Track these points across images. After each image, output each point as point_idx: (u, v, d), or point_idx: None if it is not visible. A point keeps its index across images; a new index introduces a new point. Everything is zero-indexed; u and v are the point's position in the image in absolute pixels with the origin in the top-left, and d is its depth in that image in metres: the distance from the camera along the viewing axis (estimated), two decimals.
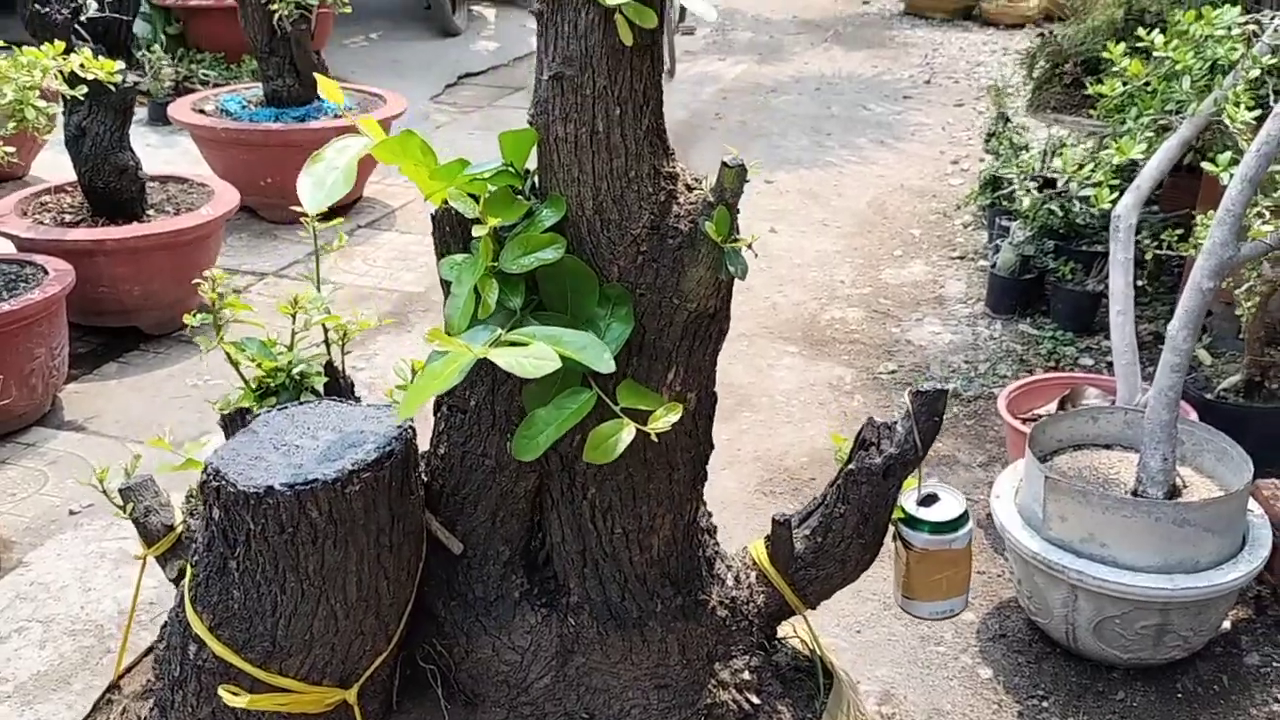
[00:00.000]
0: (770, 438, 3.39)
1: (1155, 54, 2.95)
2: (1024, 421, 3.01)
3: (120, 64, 3.43)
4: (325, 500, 1.32)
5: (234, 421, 1.89)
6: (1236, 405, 3.06)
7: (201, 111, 5.06)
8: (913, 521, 1.74)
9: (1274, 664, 2.45)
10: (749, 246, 1.24)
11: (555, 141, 1.23)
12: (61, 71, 3.23)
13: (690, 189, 1.29)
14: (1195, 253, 2.84)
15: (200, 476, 1.40)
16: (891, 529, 1.77)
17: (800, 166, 6.12)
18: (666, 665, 1.65)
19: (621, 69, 1.19)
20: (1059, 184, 3.13)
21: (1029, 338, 4.02)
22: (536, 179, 1.29)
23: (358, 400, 1.70)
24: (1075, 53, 3.71)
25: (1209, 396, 3.11)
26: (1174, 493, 2.40)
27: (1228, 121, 2.68)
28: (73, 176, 4.11)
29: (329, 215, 5.04)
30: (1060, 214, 4.18)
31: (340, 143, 1.25)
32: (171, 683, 1.56)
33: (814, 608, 1.82)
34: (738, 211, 1.23)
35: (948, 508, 1.75)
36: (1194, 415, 2.86)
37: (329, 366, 1.77)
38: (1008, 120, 4.86)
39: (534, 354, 1.10)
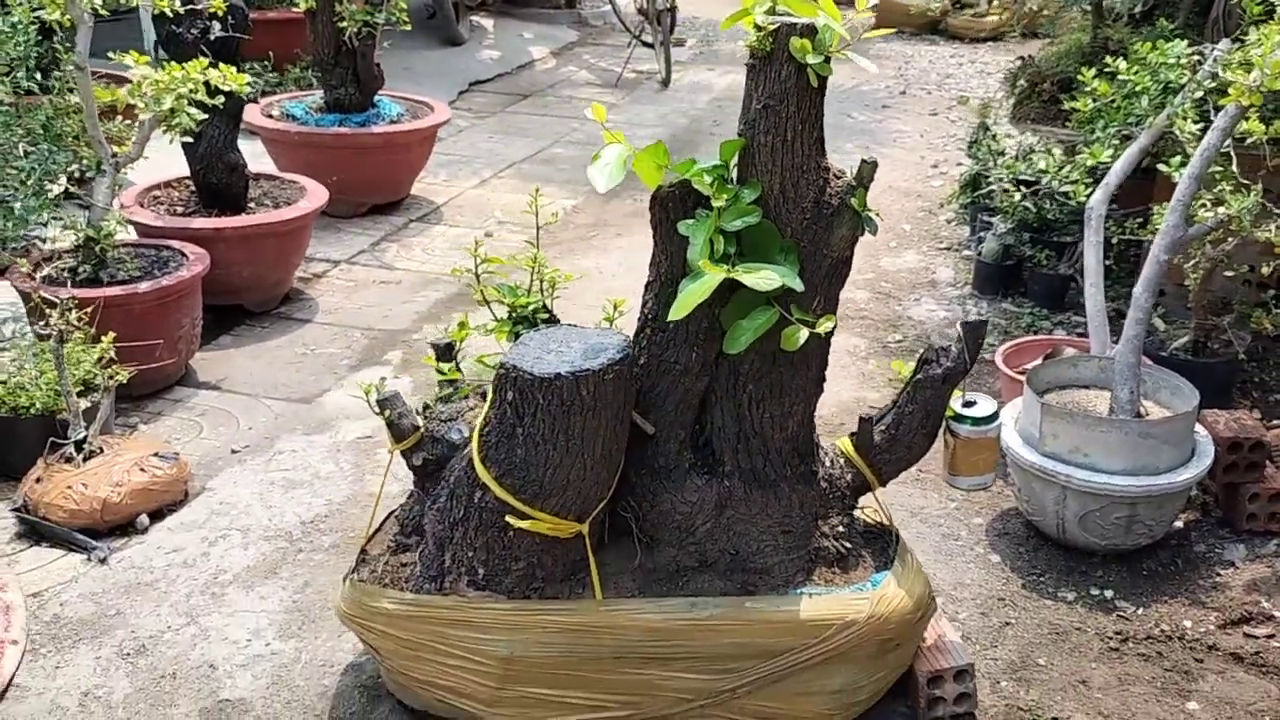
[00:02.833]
0: None
1: (1120, 77, 3.68)
2: (1017, 372, 3.72)
3: (248, 77, 4.05)
4: (592, 383, 1.97)
5: (444, 351, 2.54)
6: (1185, 361, 3.79)
7: (270, 116, 5.65)
8: (959, 418, 2.43)
9: (1215, 551, 3.17)
10: (877, 215, 1.91)
11: (758, 146, 1.90)
12: (208, 84, 3.85)
13: (837, 177, 1.96)
14: (1153, 237, 3.58)
15: (498, 372, 2.04)
16: (942, 425, 2.45)
17: None
18: (790, 516, 2.32)
19: (804, 101, 1.86)
20: (1043, 182, 3.84)
21: (1011, 314, 4.74)
22: (735, 171, 1.95)
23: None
24: (1052, 73, 4.43)
25: (1163, 354, 3.83)
26: (1139, 419, 3.11)
27: (1178, 132, 3.41)
28: (171, 175, 4.71)
29: (381, 210, 6.14)
30: (1034, 210, 4.91)
31: (609, 148, 1.90)
32: (452, 524, 2.20)
33: (884, 485, 2.50)
34: (865, 190, 1.91)
35: (984, 407, 2.44)
36: None
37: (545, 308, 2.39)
38: (988, 129, 5.60)
39: (764, 276, 1.76)
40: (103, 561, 3.03)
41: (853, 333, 4.56)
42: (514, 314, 2.35)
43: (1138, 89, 3.67)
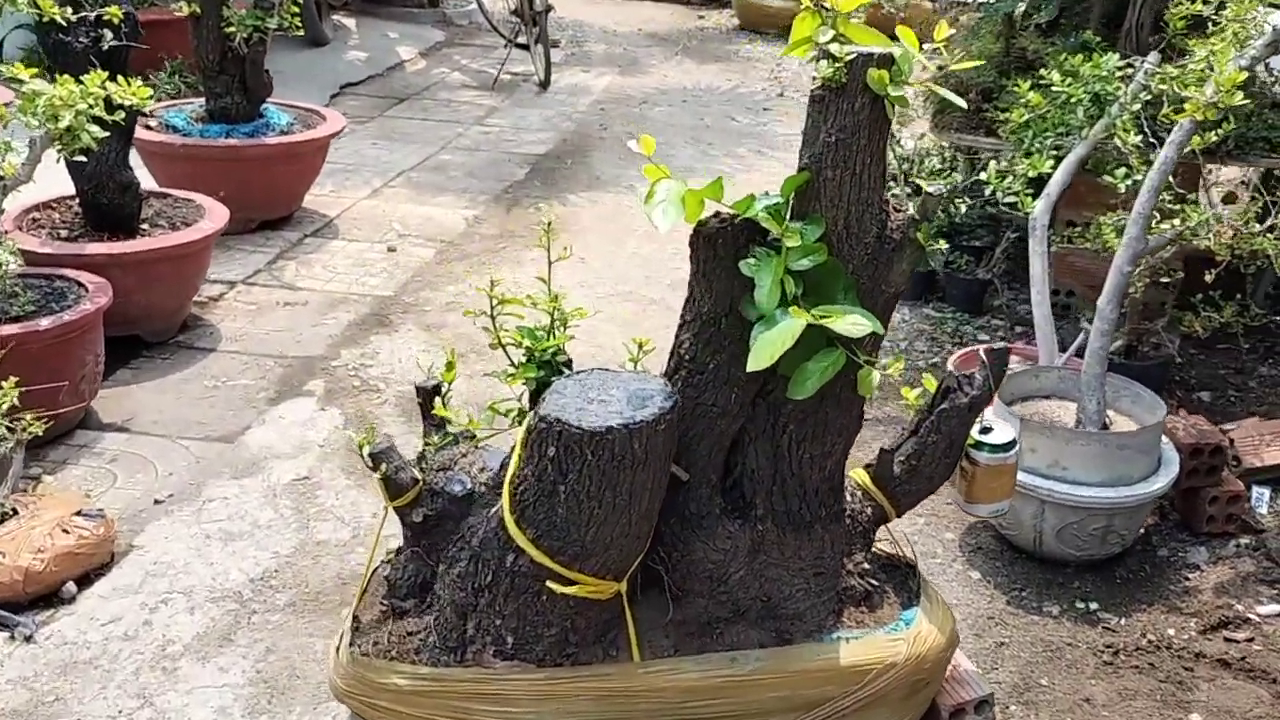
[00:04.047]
0: None
1: (1054, 88, 3.73)
2: None
3: (149, 91, 3.71)
4: (645, 435, 1.83)
5: (431, 394, 2.35)
6: (1120, 364, 3.88)
7: (148, 128, 5.24)
8: (979, 445, 2.38)
9: (1179, 554, 3.24)
10: (941, 246, 1.84)
11: (824, 181, 1.79)
12: (109, 99, 3.50)
13: (897, 210, 1.88)
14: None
15: (535, 425, 1.87)
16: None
17: (695, 174, 6.75)
18: (822, 557, 2.23)
19: (875, 134, 1.77)
20: (986, 193, 3.86)
21: (934, 319, 4.79)
22: (789, 206, 1.84)
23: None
24: (974, 83, 4.48)
25: None
26: (1105, 428, 3.15)
27: (1120, 144, 3.47)
28: (51, 195, 4.31)
29: (272, 225, 5.76)
30: (944, 215, 4.98)
31: (663, 185, 1.76)
32: (477, 590, 2.02)
33: (901, 516, 2.43)
34: (929, 224, 1.83)
35: (1003, 433, 2.39)
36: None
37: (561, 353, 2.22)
38: (893, 136, 5.64)
39: (852, 321, 1.66)
40: (29, 639, 2.71)
41: None
42: (534, 358, 2.18)
43: (1072, 100, 3.73)
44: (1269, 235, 3.30)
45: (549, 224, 2.17)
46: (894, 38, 1.83)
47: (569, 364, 2.22)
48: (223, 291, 4.82)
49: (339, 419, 3.82)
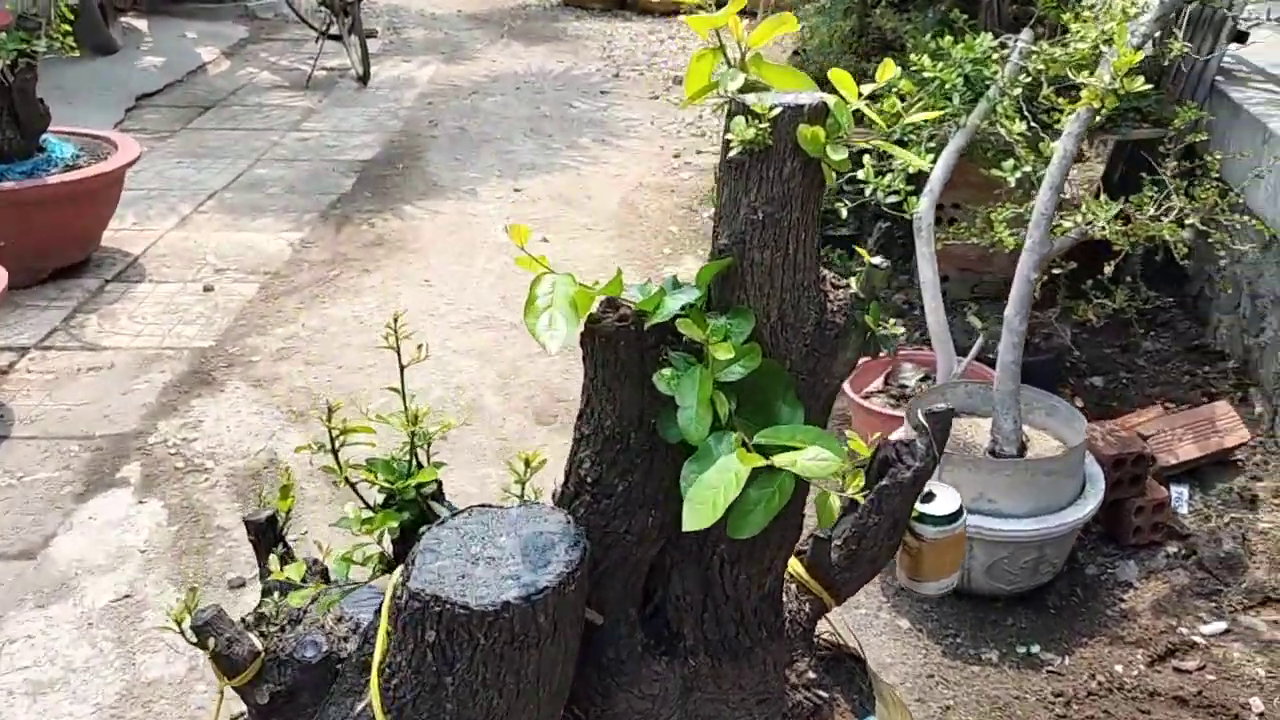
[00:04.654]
0: None
1: (926, 74, 3.45)
2: (865, 397, 3.46)
3: None
4: (552, 604, 1.43)
5: (263, 528, 1.91)
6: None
7: None
8: (923, 518, 2.06)
9: (1108, 571, 3.03)
10: (893, 327, 1.49)
11: (751, 265, 1.41)
12: None
13: (835, 287, 1.51)
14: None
15: (401, 604, 1.45)
16: None
17: (540, 171, 6.32)
18: (766, 682, 1.88)
19: (809, 203, 1.40)
20: (866, 193, 3.57)
21: None
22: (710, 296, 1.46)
23: (450, 505, 1.77)
24: (829, 66, 4.16)
25: (991, 356, 3.69)
26: (1023, 448, 2.91)
27: (1004, 133, 3.22)
28: None
29: (67, 273, 4.98)
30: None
31: (542, 284, 1.35)
32: None
33: (841, 604, 2.10)
34: (877, 301, 1.48)
35: (947, 501, 2.08)
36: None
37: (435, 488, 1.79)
38: None
39: (816, 456, 1.29)
40: None
41: None
42: (395, 498, 1.73)
43: (947, 87, 3.47)
44: (1163, 221, 3.10)
45: (396, 318, 1.73)
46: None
47: (439, 494, 1.79)
48: (12, 361, 4.16)
49: (161, 514, 3.27)
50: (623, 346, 1.47)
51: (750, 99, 1.35)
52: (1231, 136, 3.93)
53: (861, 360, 3.67)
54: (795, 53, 4.35)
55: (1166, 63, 3.73)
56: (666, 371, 1.39)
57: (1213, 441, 3.29)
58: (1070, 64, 2.94)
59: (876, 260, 1.47)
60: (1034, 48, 3.42)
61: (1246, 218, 3.17)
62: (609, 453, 1.59)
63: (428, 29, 10.17)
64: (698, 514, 1.31)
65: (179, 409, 3.86)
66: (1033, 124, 3.20)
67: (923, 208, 3.36)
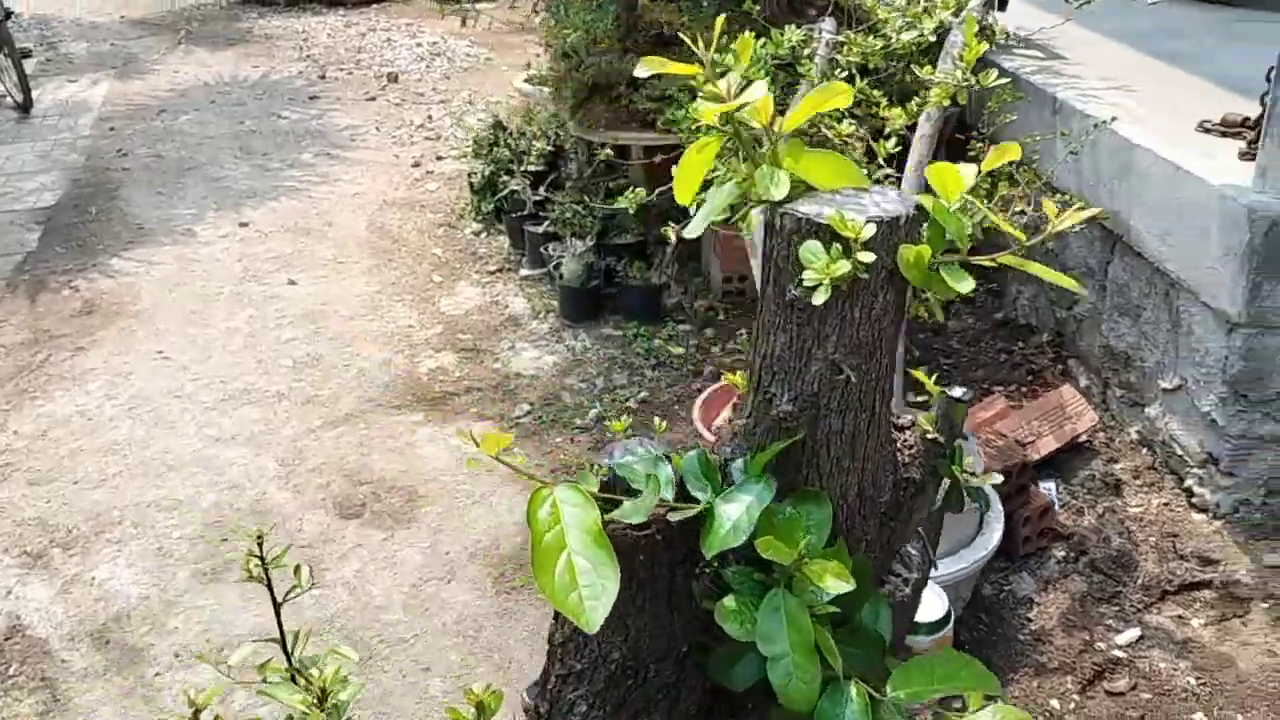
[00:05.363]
0: (468, 528, 3.15)
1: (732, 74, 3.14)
2: (715, 432, 3.14)
3: None
4: None
5: None
6: None
7: None
8: (915, 629, 1.76)
9: (1006, 589, 2.87)
10: (982, 478, 1.13)
11: (828, 435, 1.01)
12: None
13: (900, 429, 1.14)
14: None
15: None
16: None
17: (263, 198, 5.59)
18: None
19: (897, 342, 1.01)
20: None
21: (618, 339, 4.14)
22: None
23: None
24: (614, 70, 3.78)
25: None
26: None
27: (831, 136, 2.96)
28: None
29: None
30: (585, 213, 4.33)
31: (545, 505, 0.90)
32: None
33: None
34: (961, 449, 1.12)
35: (935, 606, 1.79)
36: None
37: None
38: (504, 128, 4.88)
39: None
40: None
41: (470, 416, 3.67)
42: None
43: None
44: (1003, 215, 2.96)
45: (260, 540, 1.20)
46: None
47: None
48: None
49: None
50: (642, 562, 1.04)
51: (810, 210, 0.95)
52: (1017, 107, 3.87)
53: (710, 389, 3.38)
54: (565, 55, 3.94)
55: (935, 38, 3.60)
56: (729, 602, 0.98)
57: (1066, 429, 3.21)
58: (907, 54, 2.70)
59: (957, 391, 1.12)
60: (841, 38, 3.19)
61: (1058, 195, 3.08)
62: (615, 693, 1.16)
63: (89, 40, 8.96)
64: None
65: None
66: (858, 122, 2.97)
67: (756, 225, 3.06)
